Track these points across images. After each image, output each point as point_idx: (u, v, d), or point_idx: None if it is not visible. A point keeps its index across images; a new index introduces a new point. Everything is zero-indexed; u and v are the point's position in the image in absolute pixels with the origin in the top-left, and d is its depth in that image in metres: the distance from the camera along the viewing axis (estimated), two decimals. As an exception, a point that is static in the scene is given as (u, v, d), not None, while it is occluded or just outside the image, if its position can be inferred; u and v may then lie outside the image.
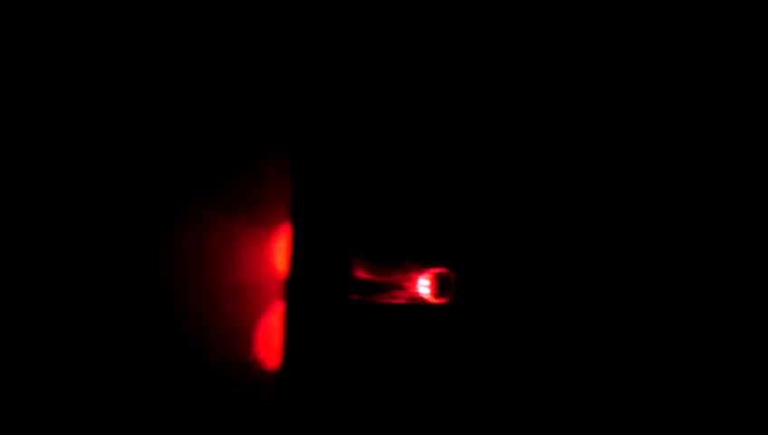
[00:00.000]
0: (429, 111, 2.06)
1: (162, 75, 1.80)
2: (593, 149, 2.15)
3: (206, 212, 1.84)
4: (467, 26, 2.08)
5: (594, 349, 2.11)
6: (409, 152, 2.04)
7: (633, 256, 2.14)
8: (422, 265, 1.90)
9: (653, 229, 2.16)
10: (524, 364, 2.08)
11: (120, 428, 1.73)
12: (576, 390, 2.09)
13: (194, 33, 1.84)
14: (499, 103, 2.10)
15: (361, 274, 1.95)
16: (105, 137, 1.74)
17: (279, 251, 1.90)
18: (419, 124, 2.05)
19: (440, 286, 1.86)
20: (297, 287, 1.90)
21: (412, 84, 2.04)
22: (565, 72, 2.13)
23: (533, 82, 2.12)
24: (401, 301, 1.92)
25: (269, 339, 1.89)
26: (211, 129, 1.85)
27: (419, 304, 1.90)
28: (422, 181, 2.04)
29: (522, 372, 2.08)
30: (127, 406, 1.74)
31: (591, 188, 2.15)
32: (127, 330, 1.75)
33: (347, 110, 1.99)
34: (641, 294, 2.14)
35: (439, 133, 2.07)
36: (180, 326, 1.80)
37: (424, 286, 1.87)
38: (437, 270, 1.87)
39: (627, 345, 2.12)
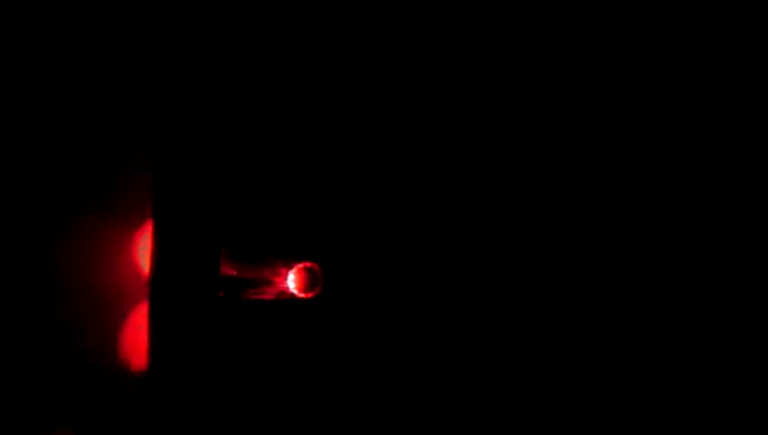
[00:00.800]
0: (293, 104, 1.98)
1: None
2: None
3: (61, 214, 1.80)
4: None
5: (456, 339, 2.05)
6: (273, 146, 1.97)
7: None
8: (289, 259, 1.83)
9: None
10: (394, 358, 2.01)
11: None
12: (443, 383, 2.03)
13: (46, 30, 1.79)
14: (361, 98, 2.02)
15: (228, 270, 1.88)
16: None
17: (142, 250, 1.85)
18: (282, 117, 1.98)
19: (307, 281, 1.82)
20: (160, 287, 1.84)
21: (275, 76, 1.97)
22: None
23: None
24: (270, 296, 1.85)
25: (135, 341, 1.85)
26: (61, 125, 1.80)
27: (288, 299, 1.83)
28: (287, 176, 1.98)
29: (392, 366, 2.01)
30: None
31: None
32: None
33: (207, 101, 1.91)
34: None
35: (303, 127, 2.00)
36: (42, 329, 1.79)
37: (291, 281, 1.80)
38: (304, 264, 1.80)
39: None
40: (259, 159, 1.95)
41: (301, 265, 1.80)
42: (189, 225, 1.85)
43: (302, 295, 1.80)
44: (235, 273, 1.88)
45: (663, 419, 2.05)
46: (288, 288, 1.80)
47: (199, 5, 1.88)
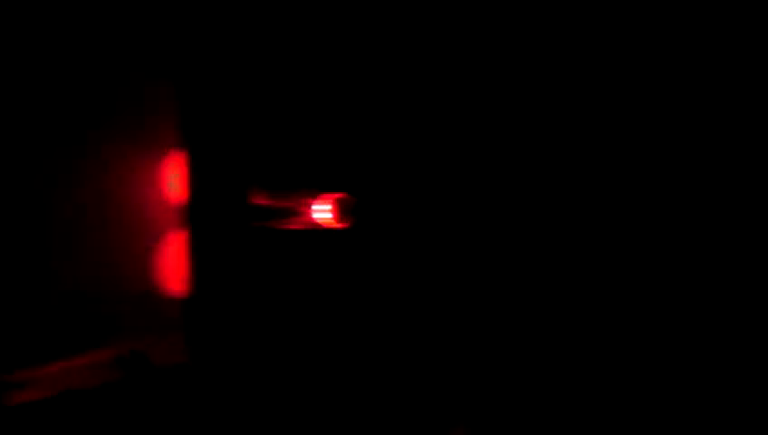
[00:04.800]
0: (323, 35, 2.03)
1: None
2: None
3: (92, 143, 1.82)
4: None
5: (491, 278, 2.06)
6: (303, 77, 2.02)
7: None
8: (318, 190, 1.90)
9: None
10: (423, 289, 2.04)
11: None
12: (475, 315, 2.05)
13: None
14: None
15: (259, 200, 1.93)
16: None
17: (171, 178, 1.89)
18: (312, 47, 2.02)
19: (341, 211, 1.87)
20: (197, 215, 1.88)
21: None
22: None
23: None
24: (301, 226, 1.89)
25: (172, 267, 1.86)
26: (90, 56, 1.82)
27: (319, 229, 1.87)
28: (319, 106, 2.02)
29: (420, 297, 2.03)
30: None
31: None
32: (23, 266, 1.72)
33: (235, 34, 1.94)
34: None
35: (332, 57, 2.04)
36: (77, 258, 1.78)
37: (323, 212, 1.87)
38: (338, 195, 1.87)
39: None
40: (291, 88, 2.00)
41: (335, 196, 1.86)
42: (220, 154, 1.90)
43: (335, 226, 1.86)
44: (266, 203, 1.92)
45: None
46: (316, 219, 1.86)
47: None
